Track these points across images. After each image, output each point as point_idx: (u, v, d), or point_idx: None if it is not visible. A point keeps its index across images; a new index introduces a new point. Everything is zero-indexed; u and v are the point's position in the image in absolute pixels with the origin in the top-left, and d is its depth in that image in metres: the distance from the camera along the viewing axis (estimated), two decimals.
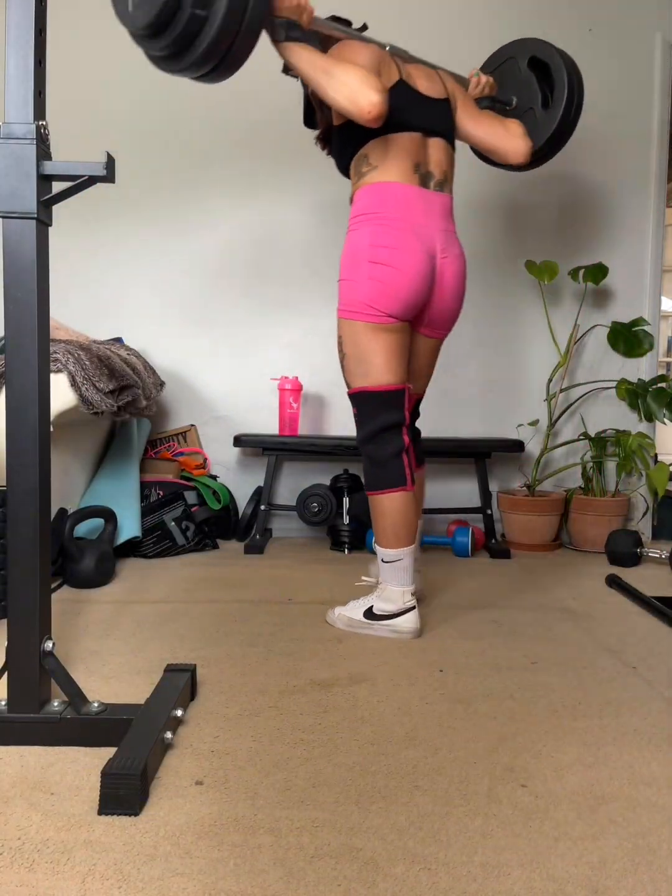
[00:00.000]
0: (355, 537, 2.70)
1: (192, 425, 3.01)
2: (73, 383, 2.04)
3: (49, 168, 1.11)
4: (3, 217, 1.11)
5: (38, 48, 1.11)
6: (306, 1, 1.53)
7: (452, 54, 2.96)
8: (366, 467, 1.74)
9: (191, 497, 2.69)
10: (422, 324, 1.81)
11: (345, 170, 1.80)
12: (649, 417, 2.85)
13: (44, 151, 1.12)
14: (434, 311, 1.78)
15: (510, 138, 1.81)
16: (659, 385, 2.83)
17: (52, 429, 1.74)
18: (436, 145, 1.73)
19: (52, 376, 2.03)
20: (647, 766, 1.11)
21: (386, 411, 1.71)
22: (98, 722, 1.14)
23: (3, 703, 1.16)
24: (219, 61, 1.39)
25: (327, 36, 1.70)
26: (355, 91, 1.47)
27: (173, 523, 2.57)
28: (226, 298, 3.00)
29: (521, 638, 1.71)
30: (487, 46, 2.96)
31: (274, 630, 1.75)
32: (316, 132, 1.88)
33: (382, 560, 1.74)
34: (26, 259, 1.11)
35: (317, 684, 1.41)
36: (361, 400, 1.72)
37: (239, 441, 2.75)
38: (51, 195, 1.13)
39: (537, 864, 0.87)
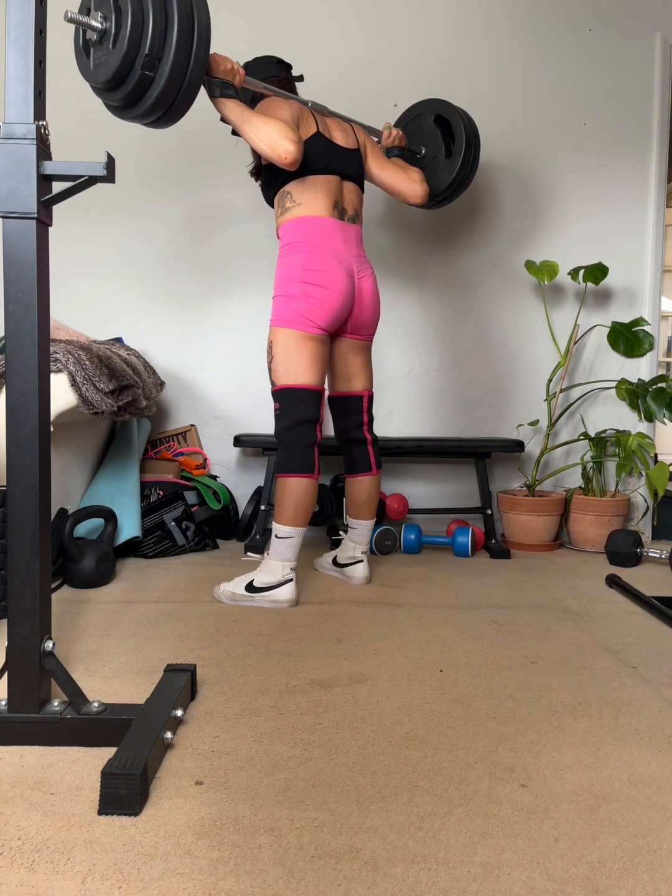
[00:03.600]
0: None
1: (192, 425, 3.01)
2: (73, 383, 2.04)
3: (49, 168, 1.11)
4: (3, 217, 1.11)
5: (38, 48, 1.11)
6: (238, 66, 1.82)
7: (453, 54, 2.97)
8: (280, 453, 1.98)
9: (191, 497, 2.69)
10: (347, 331, 2.11)
11: (269, 201, 2.11)
12: (649, 417, 2.85)
13: (44, 151, 1.12)
14: (357, 320, 2.09)
15: (410, 183, 2.15)
16: (659, 385, 2.83)
17: (52, 429, 1.74)
18: (349, 187, 2.06)
19: (52, 376, 2.03)
20: (647, 766, 1.11)
21: (304, 407, 1.96)
22: (98, 722, 1.14)
23: (3, 703, 1.16)
24: (163, 113, 1.65)
25: (258, 92, 1.99)
26: (275, 141, 1.78)
27: (173, 523, 2.57)
28: (226, 298, 3.00)
29: (521, 638, 1.71)
30: (487, 46, 2.97)
31: (274, 630, 1.75)
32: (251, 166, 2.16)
33: (276, 536, 1.97)
34: (26, 259, 1.11)
35: (317, 684, 1.41)
36: (285, 396, 1.97)
37: (239, 441, 2.75)
38: (51, 195, 1.13)
39: (537, 864, 0.87)
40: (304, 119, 1.97)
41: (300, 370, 1.96)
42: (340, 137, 2.05)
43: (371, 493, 2.22)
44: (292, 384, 1.96)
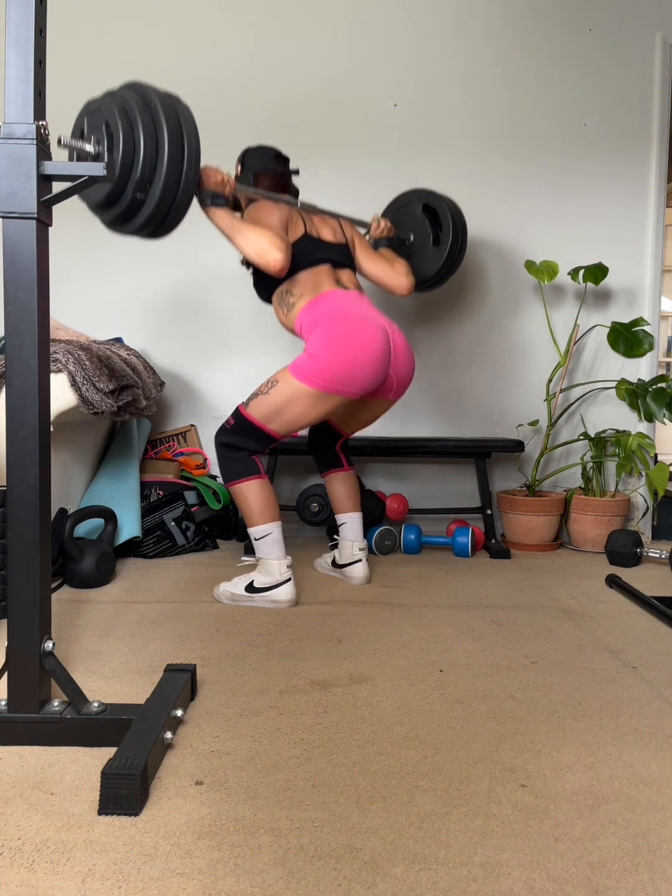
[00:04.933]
0: None
1: (192, 425, 3.01)
2: (73, 383, 2.04)
3: (49, 168, 1.11)
4: (3, 217, 1.11)
5: (38, 48, 1.11)
6: (229, 177, 1.85)
7: (453, 55, 2.97)
8: (222, 465, 1.99)
9: (191, 497, 2.69)
10: (383, 391, 2.06)
11: (263, 296, 2.13)
12: (649, 417, 2.85)
13: (44, 151, 1.12)
14: (393, 379, 2.04)
15: (396, 277, 2.20)
16: (659, 385, 2.83)
17: (52, 429, 1.74)
18: (344, 272, 2.10)
19: (52, 376, 2.03)
20: (647, 766, 1.11)
21: (257, 444, 1.97)
22: (98, 722, 1.14)
23: (3, 703, 1.16)
24: (155, 229, 1.69)
25: (248, 198, 2.05)
26: (263, 250, 1.82)
27: (173, 523, 2.57)
28: (226, 298, 3.00)
29: (521, 638, 1.71)
30: (487, 47, 2.96)
31: (274, 630, 1.75)
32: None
33: (255, 539, 1.97)
34: (26, 259, 1.11)
35: (317, 684, 1.41)
36: (246, 427, 1.96)
37: None
38: (51, 195, 1.13)
39: (537, 864, 0.87)
40: (293, 221, 2.01)
41: (283, 423, 1.94)
42: (328, 234, 2.10)
43: (350, 486, 2.25)
44: (263, 426, 1.95)
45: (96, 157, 1.53)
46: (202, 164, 1.74)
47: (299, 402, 1.90)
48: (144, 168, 1.55)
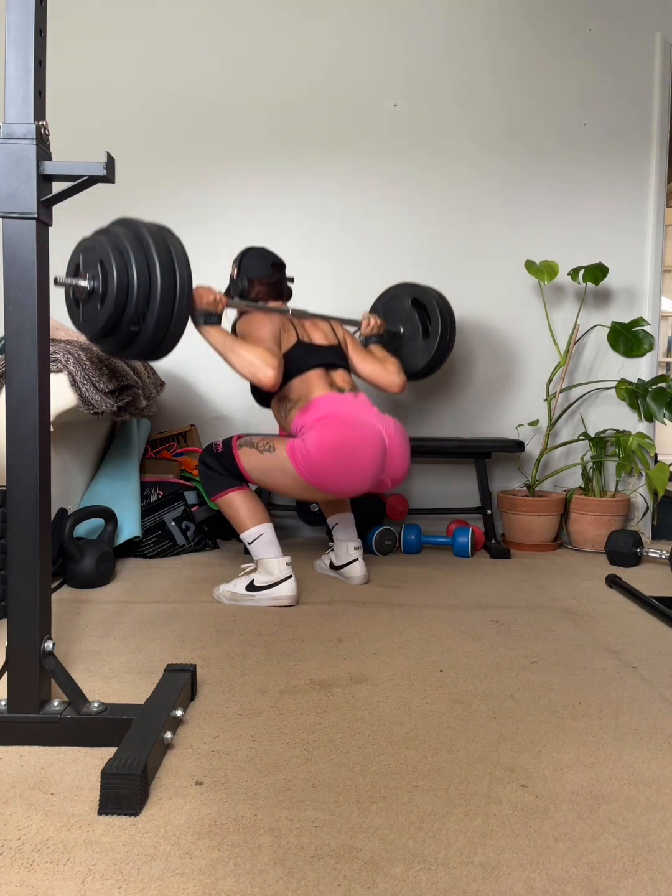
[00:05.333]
0: None
1: (192, 425, 3.01)
2: (73, 383, 2.04)
3: (49, 168, 1.11)
4: (3, 217, 1.11)
5: (38, 48, 1.11)
6: (221, 296, 1.91)
7: (453, 54, 2.97)
8: (204, 481, 2.04)
9: (191, 497, 2.69)
10: (376, 488, 2.05)
11: (260, 402, 2.19)
12: (649, 417, 2.85)
13: (44, 151, 1.12)
14: (387, 480, 2.04)
15: (388, 376, 2.24)
16: (659, 385, 2.83)
17: (52, 429, 1.74)
18: (337, 373, 2.12)
19: (52, 376, 2.03)
20: (647, 766, 1.11)
21: (234, 478, 2.02)
22: (98, 722, 1.14)
23: (3, 703, 1.16)
24: (150, 355, 1.76)
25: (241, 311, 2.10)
26: (255, 368, 1.86)
27: (173, 523, 2.57)
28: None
29: (521, 638, 1.71)
30: (487, 46, 2.97)
31: (274, 630, 1.75)
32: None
33: (248, 543, 2.01)
34: (26, 259, 1.11)
35: (317, 684, 1.41)
36: (231, 462, 2.00)
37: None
38: (51, 195, 1.13)
39: (537, 864, 0.87)
40: (286, 330, 2.05)
41: (264, 484, 2.01)
42: (320, 337, 2.14)
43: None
44: (246, 474, 2.00)
45: (92, 294, 1.61)
46: (194, 283, 1.80)
47: (286, 478, 1.95)
48: (139, 303, 1.61)
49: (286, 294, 2.22)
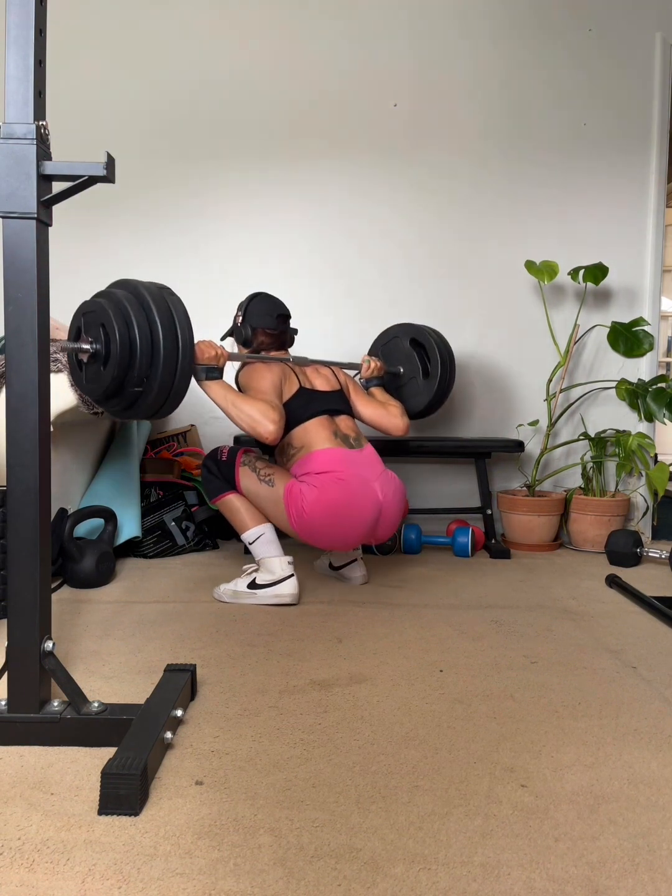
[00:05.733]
0: None
1: (192, 425, 3.01)
2: (74, 383, 2.04)
3: (49, 168, 1.11)
4: (3, 217, 1.11)
5: (38, 48, 1.11)
6: (222, 351, 1.92)
7: (453, 55, 2.97)
8: (205, 482, 2.05)
9: (191, 497, 2.69)
10: (365, 540, 2.06)
11: (268, 452, 2.21)
12: (649, 417, 2.85)
13: (44, 151, 1.12)
14: (373, 535, 2.04)
15: (390, 419, 2.25)
16: (659, 385, 2.83)
17: (52, 429, 1.74)
18: (341, 419, 2.13)
19: (52, 376, 2.03)
20: (647, 766, 1.11)
21: (232, 486, 2.02)
22: (98, 722, 1.14)
23: (3, 703, 1.16)
24: (157, 411, 1.78)
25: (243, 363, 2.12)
26: (255, 422, 1.86)
27: (173, 523, 2.57)
28: (227, 297, 3.00)
29: (521, 638, 1.71)
30: (487, 47, 2.97)
31: (274, 630, 1.75)
32: None
33: (249, 543, 2.01)
34: (26, 259, 1.11)
35: (317, 684, 1.41)
36: (231, 475, 2.01)
37: (239, 441, 2.75)
38: (51, 195, 1.13)
39: (537, 864, 0.87)
40: (287, 379, 2.06)
41: (257, 507, 2.01)
42: (322, 383, 2.15)
43: None
44: (244, 494, 2.00)
45: (94, 357, 1.62)
46: (196, 338, 1.81)
47: (276, 513, 1.98)
48: (142, 364, 1.63)
49: (289, 343, 2.23)
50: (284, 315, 2.20)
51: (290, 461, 2.04)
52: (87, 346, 1.60)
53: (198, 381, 1.90)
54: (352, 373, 2.35)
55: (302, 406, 2.05)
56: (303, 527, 1.92)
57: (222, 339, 2.24)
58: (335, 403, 2.13)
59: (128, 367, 1.62)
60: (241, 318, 2.18)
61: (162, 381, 1.66)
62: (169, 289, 1.73)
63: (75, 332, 1.67)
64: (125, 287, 1.68)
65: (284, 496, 1.94)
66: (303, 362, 2.15)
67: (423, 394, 2.44)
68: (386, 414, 2.25)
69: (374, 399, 2.30)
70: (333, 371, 2.24)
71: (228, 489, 2.01)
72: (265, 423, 1.85)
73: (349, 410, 2.20)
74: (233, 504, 2.01)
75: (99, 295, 1.68)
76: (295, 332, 2.25)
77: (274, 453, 2.13)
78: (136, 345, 1.60)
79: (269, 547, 1.99)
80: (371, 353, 2.58)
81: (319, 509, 1.89)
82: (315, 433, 2.02)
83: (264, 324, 2.15)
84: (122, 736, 1.08)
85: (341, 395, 2.19)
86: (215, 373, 1.91)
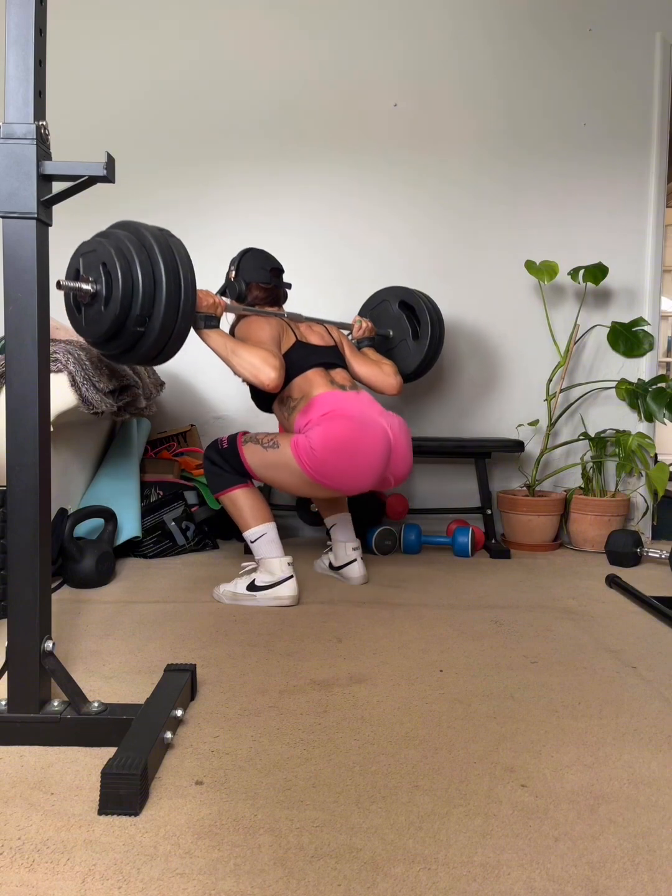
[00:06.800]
0: None
1: (192, 425, 3.01)
2: (73, 383, 2.04)
3: (49, 168, 1.11)
4: (3, 217, 1.11)
5: (38, 48, 1.11)
6: (219, 300, 1.93)
7: (453, 54, 2.97)
8: (209, 477, 2.04)
9: (191, 497, 2.69)
10: (378, 486, 2.04)
11: (261, 406, 2.20)
12: (649, 417, 2.85)
13: (44, 151, 1.12)
14: (391, 478, 2.03)
15: (384, 377, 2.27)
16: (659, 385, 2.83)
17: (52, 429, 1.74)
18: (337, 371, 2.13)
19: (52, 376, 2.03)
20: (647, 766, 1.11)
21: (238, 475, 2.01)
22: (98, 722, 1.14)
23: (3, 703, 1.16)
24: (155, 357, 1.76)
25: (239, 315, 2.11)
26: (257, 369, 1.86)
27: (173, 523, 2.57)
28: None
29: (521, 638, 1.71)
30: (487, 46, 2.97)
31: (274, 630, 1.75)
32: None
33: (251, 541, 2.00)
34: (26, 259, 1.11)
35: (317, 684, 1.41)
36: (236, 458, 1.99)
37: None
38: (51, 195, 1.13)
39: (537, 864, 0.87)
40: (284, 333, 2.07)
41: (268, 480, 2.00)
42: (317, 339, 2.16)
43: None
44: (250, 470, 1.99)
45: (95, 297, 1.60)
46: None
47: (290, 475, 1.94)
48: (144, 304, 1.61)
49: (283, 299, 2.23)
50: (278, 269, 2.19)
51: (292, 414, 2.04)
52: (87, 287, 1.58)
53: (196, 329, 1.90)
54: (343, 333, 2.36)
55: (299, 359, 2.05)
56: (317, 468, 1.87)
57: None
58: (330, 357, 2.14)
59: (129, 307, 1.60)
60: (234, 273, 2.17)
61: (164, 321, 1.65)
62: (170, 232, 1.72)
63: (74, 273, 1.64)
64: (126, 227, 1.66)
65: (292, 450, 1.91)
66: (297, 318, 2.15)
67: (414, 355, 2.46)
68: (380, 372, 2.27)
69: (367, 358, 2.31)
70: (327, 328, 2.25)
71: (233, 484, 2.00)
72: (267, 369, 1.85)
73: (344, 365, 2.21)
74: (237, 500, 2.00)
75: (99, 235, 1.66)
76: (288, 286, 2.24)
77: (273, 409, 2.14)
78: (138, 283, 1.58)
79: (270, 547, 1.98)
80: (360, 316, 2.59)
81: (329, 444, 1.86)
82: (313, 381, 2.03)
83: (258, 278, 2.15)
84: (122, 736, 1.08)
85: (336, 350, 2.20)
86: (213, 321, 1.91)
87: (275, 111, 2.97)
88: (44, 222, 1.14)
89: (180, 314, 1.68)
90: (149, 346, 1.69)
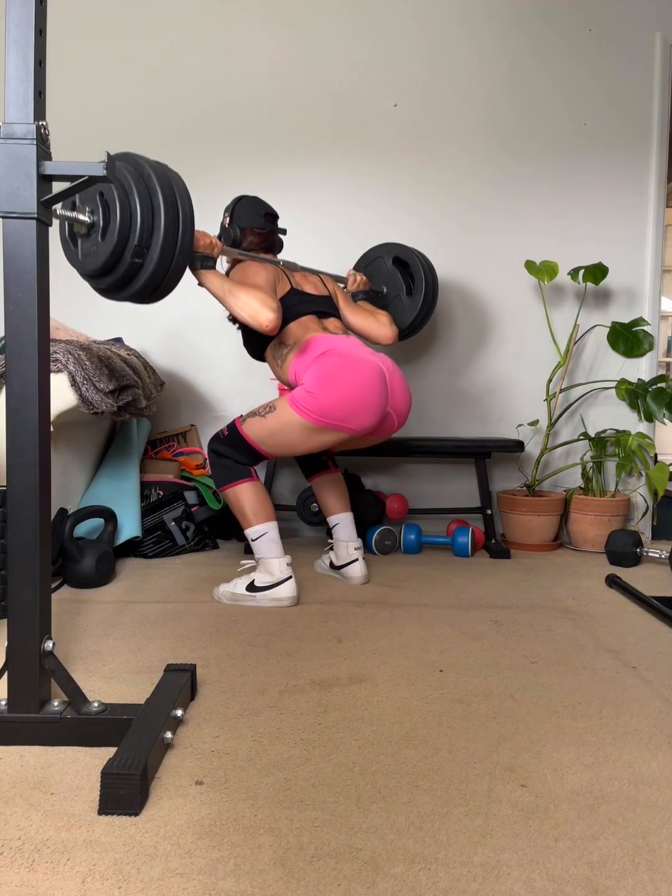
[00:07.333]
0: None
1: (192, 425, 3.01)
2: (73, 383, 2.04)
3: (49, 168, 1.11)
4: (3, 217, 1.11)
5: (38, 48, 1.11)
6: (216, 240, 1.91)
7: (453, 55, 2.97)
8: (214, 471, 2.02)
9: (191, 497, 2.69)
10: (381, 429, 2.06)
11: (254, 354, 2.20)
12: (649, 417, 2.85)
13: (44, 151, 1.12)
14: (393, 416, 2.05)
15: (379, 327, 2.26)
16: (659, 385, 2.83)
17: (52, 429, 1.74)
18: (330, 320, 2.13)
19: (52, 376, 2.03)
20: (647, 766, 1.11)
21: (246, 458, 2.01)
22: (98, 722, 1.14)
23: (3, 703, 1.16)
24: (151, 294, 1.73)
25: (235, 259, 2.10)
26: (256, 310, 1.84)
27: (173, 523, 2.57)
28: None
29: (521, 638, 1.71)
30: (487, 46, 2.96)
31: (274, 630, 1.75)
32: None
33: (252, 539, 1.99)
34: (26, 259, 1.11)
35: (317, 684, 1.41)
36: (240, 444, 1.99)
37: None
38: (51, 195, 1.13)
39: (537, 864, 0.87)
40: (279, 279, 2.06)
41: (276, 447, 1.98)
42: (311, 288, 2.16)
43: (338, 487, 2.28)
44: (255, 446, 1.99)
45: (92, 227, 1.57)
46: None
47: (294, 432, 1.93)
48: (142, 235, 1.59)
49: (278, 246, 2.23)
50: (272, 214, 2.19)
51: (286, 360, 2.04)
52: (84, 217, 1.55)
53: (192, 270, 1.89)
54: (338, 285, 2.36)
55: (293, 306, 2.05)
56: (318, 409, 1.88)
57: None
58: (324, 307, 2.14)
59: (128, 237, 1.58)
60: (228, 219, 2.16)
61: (162, 253, 1.62)
62: (167, 165, 1.70)
63: (71, 203, 1.62)
64: (124, 159, 1.65)
65: (290, 405, 1.92)
66: (292, 267, 2.14)
67: (408, 311, 2.45)
68: (374, 321, 2.26)
69: (362, 308, 2.31)
70: (322, 279, 2.25)
71: (238, 478, 1.98)
72: (265, 310, 1.83)
73: (337, 315, 2.20)
74: (241, 495, 1.99)
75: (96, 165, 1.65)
76: (283, 232, 2.23)
77: (266, 357, 2.14)
78: (136, 213, 1.56)
79: (270, 547, 1.98)
80: None
81: (325, 379, 1.88)
82: (307, 327, 2.04)
83: (253, 223, 2.14)
84: (122, 736, 1.08)
85: (330, 300, 2.20)
86: (210, 262, 1.90)
87: (274, 112, 2.97)
88: (44, 222, 1.14)
89: (179, 247, 1.65)
90: (146, 279, 1.66)
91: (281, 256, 2.27)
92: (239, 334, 2.99)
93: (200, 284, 1.93)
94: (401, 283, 2.46)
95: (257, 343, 2.14)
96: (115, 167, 1.57)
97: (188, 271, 1.84)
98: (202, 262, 1.88)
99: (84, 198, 1.59)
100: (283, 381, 2.11)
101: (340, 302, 2.26)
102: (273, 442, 1.97)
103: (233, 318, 2.16)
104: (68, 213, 1.54)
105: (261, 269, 2.01)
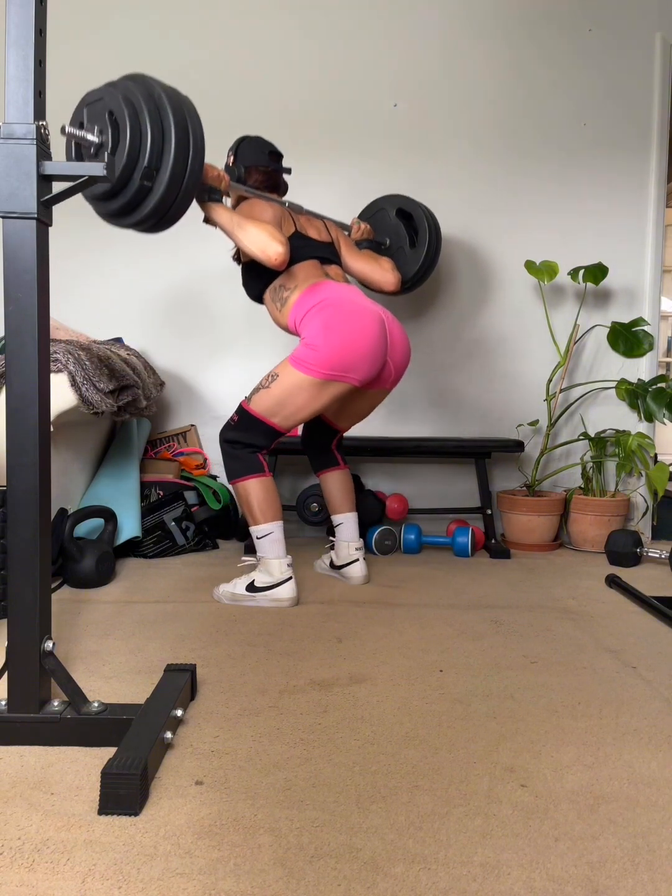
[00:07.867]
0: None
1: (192, 425, 3.01)
2: (73, 383, 2.04)
3: (49, 168, 1.11)
4: (3, 217, 1.11)
5: (38, 48, 1.11)
6: (224, 172, 1.90)
7: (453, 54, 2.96)
8: (226, 463, 2.00)
9: (191, 497, 2.69)
10: (380, 381, 2.07)
11: (258, 297, 2.15)
12: (649, 417, 2.85)
13: (44, 151, 1.12)
14: (391, 367, 2.05)
15: (382, 272, 2.26)
16: (659, 385, 2.83)
17: (52, 429, 1.74)
18: (331, 267, 2.13)
19: (52, 376, 2.03)
20: (647, 766, 1.11)
21: (262, 439, 1.98)
22: (98, 722, 1.14)
23: (3, 703, 1.16)
24: (159, 220, 1.68)
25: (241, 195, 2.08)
26: (264, 244, 1.83)
27: (173, 523, 2.57)
28: (227, 298, 3.00)
29: (521, 638, 1.71)
30: (487, 46, 2.96)
31: (274, 630, 1.75)
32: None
33: (256, 537, 1.98)
34: (26, 259, 1.11)
35: (317, 684, 1.41)
36: (251, 422, 1.97)
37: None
38: (51, 195, 1.13)
39: (537, 864, 0.87)
40: (284, 218, 2.05)
41: (286, 416, 1.95)
42: (315, 233, 2.14)
43: (345, 485, 2.26)
44: (268, 421, 1.96)
45: (100, 146, 1.51)
46: None
47: (301, 392, 1.92)
48: (152, 156, 1.54)
49: (283, 187, 2.21)
50: (276, 153, 2.17)
51: (286, 303, 2.02)
52: (92, 137, 1.49)
53: (200, 202, 1.87)
54: (342, 232, 2.34)
55: (296, 248, 2.03)
56: (323, 361, 1.87)
57: None
58: (327, 252, 2.13)
59: (137, 157, 1.53)
60: (232, 158, 2.14)
61: (172, 175, 1.58)
62: (177, 90, 1.65)
63: (77, 123, 1.58)
64: (134, 79, 1.61)
65: (293, 366, 1.91)
66: (298, 209, 2.12)
67: (411, 263, 2.43)
68: (377, 267, 2.25)
69: (366, 254, 2.29)
70: (326, 224, 2.22)
71: (248, 472, 1.96)
72: (274, 243, 1.82)
73: (339, 262, 2.19)
74: (250, 490, 1.96)
75: (108, 84, 1.60)
76: (288, 171, 2.21)
77: (264, 301, 2.12)
78: (147, 134, 1.52)
79: (273, 546, 1.97)
80: None
81: (326, 333, 1.88)
82: (307, 273, 2.02)
83: (257, 161, 2.12)
84: (122, 736, 1.08)
85: (332, 247, 2.18)
86: (217, 195, 1.88)
87: (274, 112, 2.96)
88: (44, 222, 1.14)
89: (189, 170, 1.61)
90: (155, 203, 1.61)
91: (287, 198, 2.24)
92: (239, 334, 3.00)
93: (206, 220, 1.92)
94: (404, 235, 2.44)
95: (257, 284, 2.11)
96: (121, 85, 1.52)
97: (196, 205, 1.82)
98: (210, 195, 1.86)
99: (92, 116, 1.55)
100: (282, 325, 2.09)
101: (343, 248, 2.24)
102: (283, 410, 1.94)
103: (237, 256, 2.15)
104: (76, 132, 1.47)
105: (267, 207, 2.00)
